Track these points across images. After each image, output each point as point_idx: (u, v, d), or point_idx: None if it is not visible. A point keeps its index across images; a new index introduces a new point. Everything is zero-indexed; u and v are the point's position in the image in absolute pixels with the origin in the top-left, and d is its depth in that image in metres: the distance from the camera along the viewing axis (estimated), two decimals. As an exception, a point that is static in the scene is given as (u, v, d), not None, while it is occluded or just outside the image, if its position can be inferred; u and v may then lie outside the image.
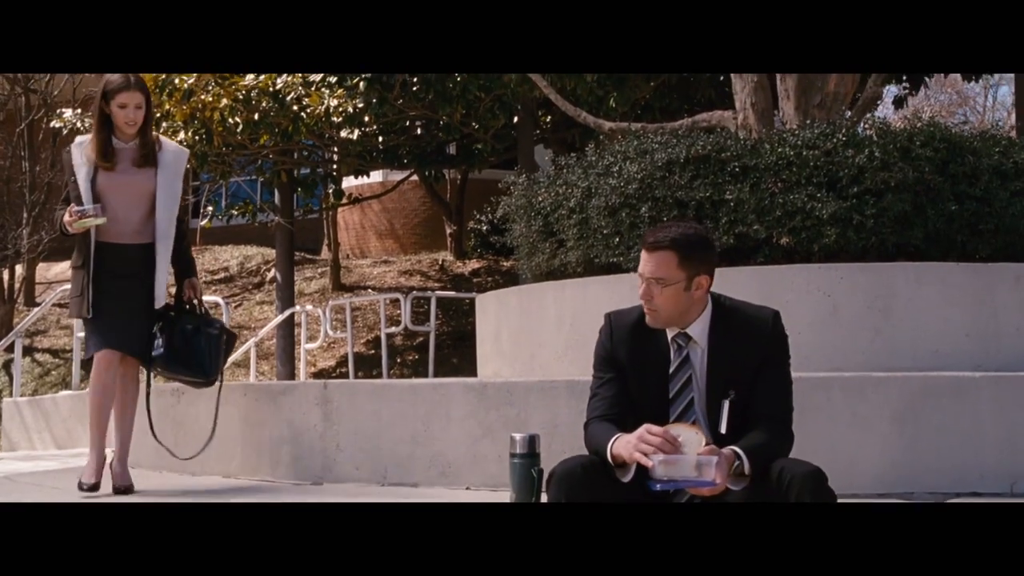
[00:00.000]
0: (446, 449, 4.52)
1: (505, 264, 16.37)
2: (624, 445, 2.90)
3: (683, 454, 2.87)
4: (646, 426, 2.91)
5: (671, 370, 3.12)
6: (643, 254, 3.05)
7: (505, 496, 4.28)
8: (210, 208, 15.15)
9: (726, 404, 3.08)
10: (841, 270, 4.98)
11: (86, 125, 12.38)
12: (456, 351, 12.97)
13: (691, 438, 2.89)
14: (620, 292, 5.34)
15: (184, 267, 4.73)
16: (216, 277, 17.62)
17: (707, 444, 2.87)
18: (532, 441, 3.54)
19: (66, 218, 4.37)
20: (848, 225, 5.17)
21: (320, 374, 13.45)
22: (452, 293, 13.18)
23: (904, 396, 4.17)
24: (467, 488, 4.47)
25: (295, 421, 4.85)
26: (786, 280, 4.98)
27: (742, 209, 5.32)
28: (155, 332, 4.59)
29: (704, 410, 3.12)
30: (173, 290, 4.74)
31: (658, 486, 2.81)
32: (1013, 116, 28.90)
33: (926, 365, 4.78)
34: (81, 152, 4.51)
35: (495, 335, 6.24)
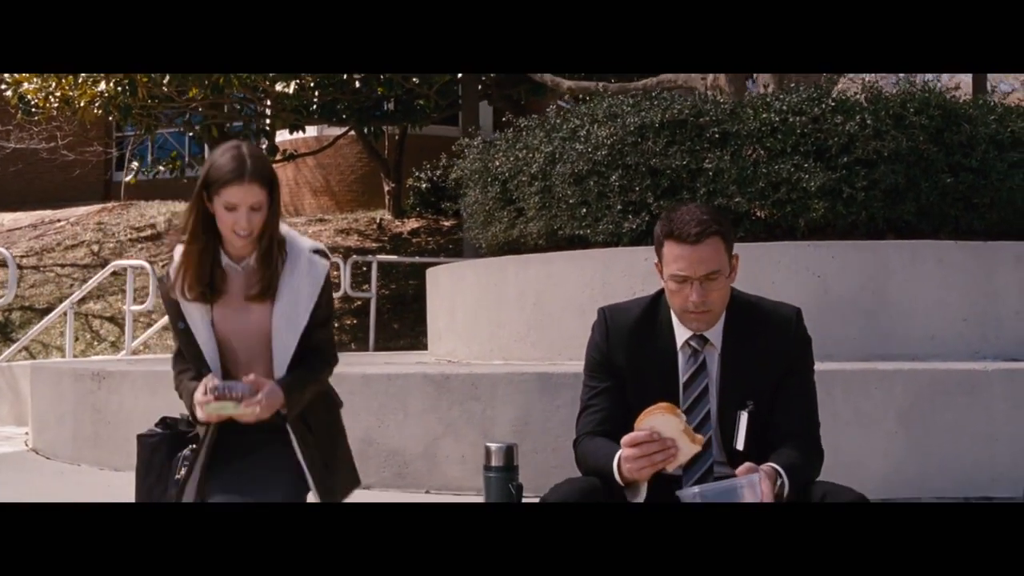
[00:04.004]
0: (402, 448, 4.06)
1: (446, 224, 15.86)
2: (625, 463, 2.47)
3: (721, 483, 2.45)
4: (624, 442, 2.46)
5: (684, 379, 2.68)
6: (682, 251, 2.57)
7: (468, 502, 3.86)
8: (135, 163, 14.39)
9: (744, 416, 2.65)
10: (832, 248, 4.58)
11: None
12: (397, 316, 12.46)
13: (666, 423, 2.43)
14: (589, 269, 4.92)
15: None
16: (142, 235, 16.84)
17: (684, 423, 2.44)
18: (510, 452, 3.11)
19: (198, 396, 2.69)
20: (837, 198, 4.77)
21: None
22: (394, 257, 12.65)
23: (910, 392, 3.80)
24: (426, 492, 4.01)
25: (231, 414, 4.34)
26: (772, 258, 4.57)
27: (722, 179, 4.90)
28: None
29: (717, 422, 2.70)
30: None
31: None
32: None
33: (923, 352, 4.42)
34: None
35: (449, 312, 5.75)
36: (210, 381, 2.69)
